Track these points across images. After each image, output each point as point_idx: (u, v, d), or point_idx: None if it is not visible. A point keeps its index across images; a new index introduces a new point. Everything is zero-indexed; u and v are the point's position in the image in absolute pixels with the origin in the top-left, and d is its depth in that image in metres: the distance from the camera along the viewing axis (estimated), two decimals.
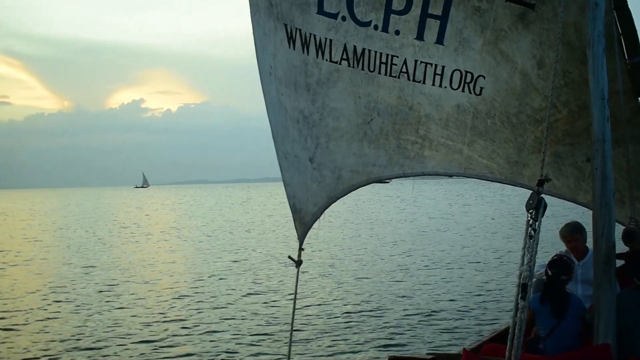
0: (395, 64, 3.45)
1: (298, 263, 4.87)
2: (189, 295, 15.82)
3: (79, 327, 12.27)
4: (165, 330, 12.02)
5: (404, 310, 13.50)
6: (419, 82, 3.48)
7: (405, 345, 10.71)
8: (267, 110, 4.38)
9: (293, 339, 6.39)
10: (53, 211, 72.02)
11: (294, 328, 5.58)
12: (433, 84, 3.52)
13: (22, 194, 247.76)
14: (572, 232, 4.93)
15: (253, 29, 4.09)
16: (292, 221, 4.74)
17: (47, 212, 68.85)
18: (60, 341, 11.20)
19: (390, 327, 11.97)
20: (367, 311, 13.33)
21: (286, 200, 4.76)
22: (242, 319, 12.91)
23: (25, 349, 10.78)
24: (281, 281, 17.22)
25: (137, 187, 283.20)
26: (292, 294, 5.90)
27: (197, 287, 16.91)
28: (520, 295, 3.01)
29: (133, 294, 15.97)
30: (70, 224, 44.99)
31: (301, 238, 4.78)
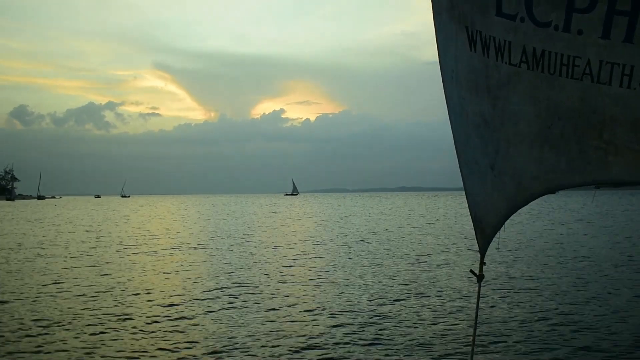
0: (578, 65, 3.22)
1: (480, 277, 4.62)
2: (368, 299, 16.17)
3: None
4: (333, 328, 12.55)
5: (595, 326, 12.65)
6: (604, 83, 3.20)
7: None
8: (449, 116, 4.30)
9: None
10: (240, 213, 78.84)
11: (475, 345, 5.36)
12: (620, 86, 3.20)
13: (176, 199, 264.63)
14: None
15: (436, 31, 4.07)
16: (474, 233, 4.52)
17: (235, 214, 75.35)
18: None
19: (573, 347, 11.27)
20: (553, 329, 12.59)
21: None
22: (422, 329, 12.80)
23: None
24: (458, 297, 16.78)
25: (286, 194, 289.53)
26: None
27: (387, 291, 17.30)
28: None
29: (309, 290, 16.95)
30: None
31: (482, 251, 4.55)
